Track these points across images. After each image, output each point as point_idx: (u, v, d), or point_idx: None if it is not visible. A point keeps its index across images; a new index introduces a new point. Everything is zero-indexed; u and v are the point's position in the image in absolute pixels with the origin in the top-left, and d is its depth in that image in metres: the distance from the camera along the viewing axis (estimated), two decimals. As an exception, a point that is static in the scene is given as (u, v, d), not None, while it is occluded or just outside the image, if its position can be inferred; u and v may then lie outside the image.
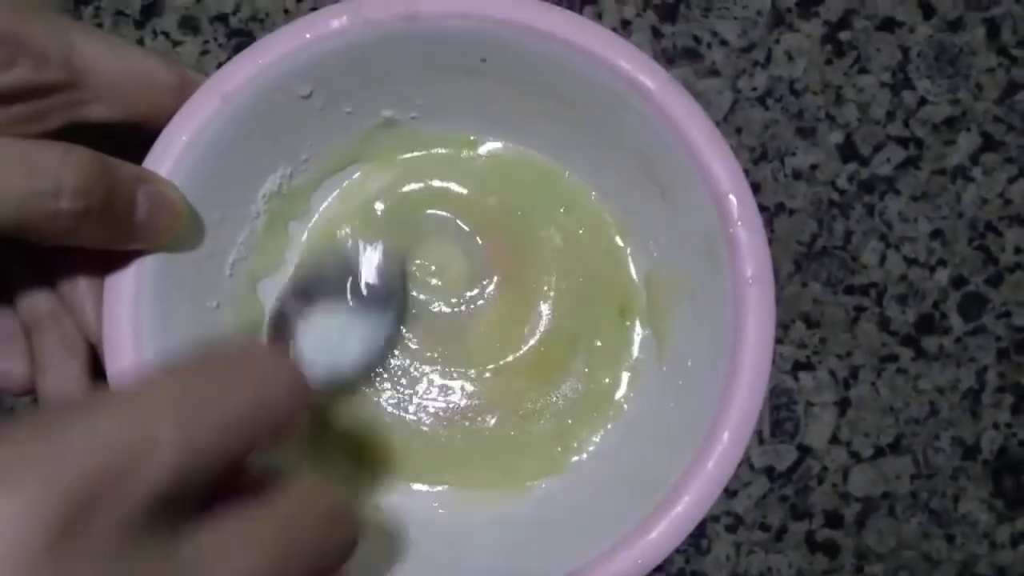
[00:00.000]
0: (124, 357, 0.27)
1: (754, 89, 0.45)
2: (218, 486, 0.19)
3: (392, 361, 0.33)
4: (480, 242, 0.35)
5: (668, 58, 0.45)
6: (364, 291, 0.33)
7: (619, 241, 0.35)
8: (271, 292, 0.34)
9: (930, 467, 0.40)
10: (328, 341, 0.31)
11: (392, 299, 0.33)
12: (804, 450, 0.40)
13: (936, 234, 0.43)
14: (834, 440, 0.40)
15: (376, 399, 0.33)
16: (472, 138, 0.35)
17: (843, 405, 0.41)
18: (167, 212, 0.26)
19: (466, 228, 0.35)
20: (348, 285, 0.33)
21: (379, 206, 0.35)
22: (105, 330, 0.27)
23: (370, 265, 0.33)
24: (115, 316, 0.27)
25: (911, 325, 0.42)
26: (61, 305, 0.27)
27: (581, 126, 0.33)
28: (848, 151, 0.44)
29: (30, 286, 0.27)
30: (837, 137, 0.45)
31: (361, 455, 0.33)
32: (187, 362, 0.20)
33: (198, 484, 0.18)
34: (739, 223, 0.28)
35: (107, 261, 0.27)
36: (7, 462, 0.16)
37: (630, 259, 0.36)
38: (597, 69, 0.29)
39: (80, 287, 0.27)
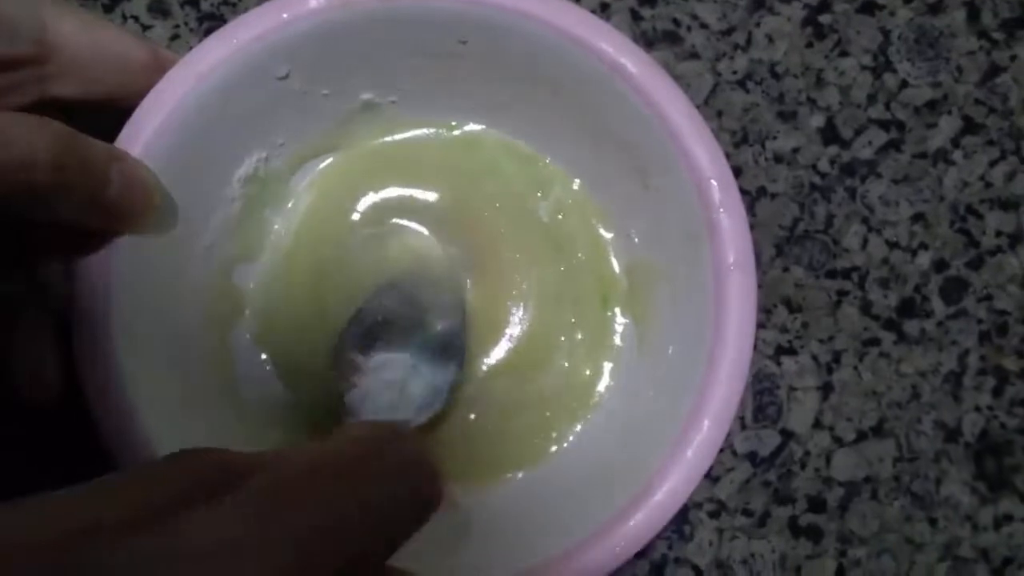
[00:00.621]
0: (94, 340, 0.26)
1: (734, 72, 0.45)
2: None
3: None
4: (458, 233, 0.35)
5: (648, 41, 0.44)
6: (429, 338, 0.32)
7: (601, 229, 0.35)
8: (246, 278, 0.34)
9: (912, 450, 0.40)
10: (392, 385, 0.31)
11: (455, 345, 0.32)
12: (787, 435, 0.40)
13: (918, 217, 0.43)
14: (817, 424, 0.40)
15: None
16: (452, 123, 0.35)
17: (826, 389, 0.41)
18: (140, 191, 0.26)
19: (444, 218, 0.35)
20: (413, 330, 0.32)
21: (356, 196, 0.35)
22: (76, 312, 0.26)
23: (435, 311, 0.33)
24: (86, 298, 0.26)
25: (893, 309, 0.42)
26: (34, 286, 0.27)
27: (562, 111, 0.32)
28: (829, 134, 0.44)
29: (3, 266, 0.27)
30: (818, 120, 0.44)
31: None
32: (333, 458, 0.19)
33: None
34: (721, 209, 0.28)
35: (81, 243, 0.26)
36: None
37: (611, 247, 0.36)
38: (578, 52, 0.29)
39: (52, 269, 0.27)
